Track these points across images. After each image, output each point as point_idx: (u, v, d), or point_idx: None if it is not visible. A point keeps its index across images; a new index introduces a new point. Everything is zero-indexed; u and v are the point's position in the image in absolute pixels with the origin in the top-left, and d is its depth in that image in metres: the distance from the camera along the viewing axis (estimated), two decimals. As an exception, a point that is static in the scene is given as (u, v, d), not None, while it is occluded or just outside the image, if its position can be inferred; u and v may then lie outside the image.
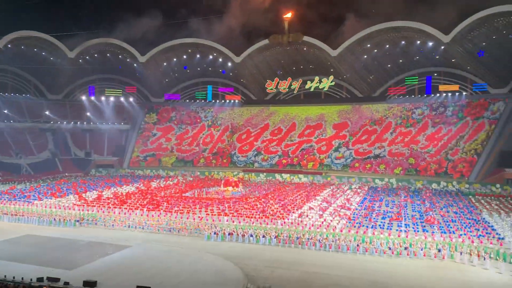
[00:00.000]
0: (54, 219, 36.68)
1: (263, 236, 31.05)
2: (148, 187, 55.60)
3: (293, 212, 39.20)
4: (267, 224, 34.80)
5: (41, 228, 35.17)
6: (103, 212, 38.95)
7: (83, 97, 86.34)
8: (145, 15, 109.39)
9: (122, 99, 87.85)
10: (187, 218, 36.88)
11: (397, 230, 32.98)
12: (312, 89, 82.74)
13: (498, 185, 55.17)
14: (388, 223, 35.58)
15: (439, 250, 27.92)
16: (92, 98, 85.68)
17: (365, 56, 74.94)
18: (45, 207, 40.38)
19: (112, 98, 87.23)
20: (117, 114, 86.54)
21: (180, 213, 37.93)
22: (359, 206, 43.87)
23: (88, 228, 35.70)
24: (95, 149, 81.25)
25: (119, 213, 38.39)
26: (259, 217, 36.42)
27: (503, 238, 30.94)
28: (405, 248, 28.03)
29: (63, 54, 76.33)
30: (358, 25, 76.92)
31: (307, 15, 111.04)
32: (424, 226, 34.68)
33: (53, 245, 29.45)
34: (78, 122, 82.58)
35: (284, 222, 35.09)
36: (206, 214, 37.74)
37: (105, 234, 33.19)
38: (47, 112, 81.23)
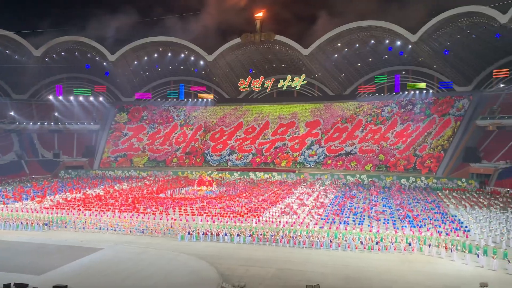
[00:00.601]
0: (21, 223, 35.44)
1: (238, 235, 31.07)
2: (113, 192, 54.54)
3: (269, 210, 39.44)
4: (242, 222, 34.89)
5: (7, 233, 33.91)
6: (73, 214, 38.00)
7: (50, 97, 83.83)
8: (116, 13, 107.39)
9: (91, 98, 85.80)
10: (160, 219, 36.49)
11: (383, 224, 33.68)
12: (284, 88, 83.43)
13: (463, 180, 57.22)
14: (361, 218, 36.28)
15: (409, 244, 28.74)
16: (60, 97, 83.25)
17: (336, 55, 76.11)
18: (11, 211, 39.01)
19: (81, 98, 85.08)
20: (86, 114, 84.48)
21: (153, 213, 37.49)
22: (330, 204, 44.46)
23: (58, 231, 34.66)
24: (64, 150, 78.93)
25: (90, 215, 37.56)
26: (233, 216, 36.45)
27: (469, 231, 32.16)
28: (376, 243, 28.68)
29: (28, 52, 73.80)
30: (330, 24, 78.17)
31: (279, 14, 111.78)
32: (395, 222, 35.58)
33: (20, 250, 28.48)
34: (46, 123, 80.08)
35: (259, 220, 35.28)
36: (180, 214, 37.41)
37: (76, 237, 32.34)
38: (11, 113, 78.38)
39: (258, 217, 36.37)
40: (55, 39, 74.73)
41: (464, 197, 49.45)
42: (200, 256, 26.74)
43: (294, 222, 34.54)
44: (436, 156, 64.88)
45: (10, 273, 23.09)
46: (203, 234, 31.76)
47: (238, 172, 69.01)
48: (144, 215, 37.28)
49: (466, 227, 32.61)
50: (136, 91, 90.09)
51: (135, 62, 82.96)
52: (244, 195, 49.00)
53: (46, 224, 35.35)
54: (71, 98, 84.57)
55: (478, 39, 64.16)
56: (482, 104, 68.63)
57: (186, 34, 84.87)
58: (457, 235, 30.74)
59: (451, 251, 26.69)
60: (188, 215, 37.19)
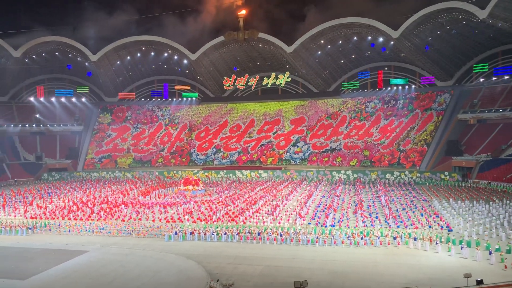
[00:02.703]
0: (4, 228, 34.73)
1: (225, 234, 31.06)
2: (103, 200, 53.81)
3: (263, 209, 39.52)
4: (236, 222, 34.88)
5: (-11, 238, 33.24)
6: (57, 218, 37.44)
7: (31, 98, 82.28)
8: (97, 12, 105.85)
9: (73, 99, 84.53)
10: (147, 220, 36.24)
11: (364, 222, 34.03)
12: (269, 86, 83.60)
13: (446, 173, 58.23)
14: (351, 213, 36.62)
15: (394, 238, 29.15)
16: (41, 99, 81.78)
17: (319, 52, 76.51)
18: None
19: (63, 99, 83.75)
20: (69, 115, 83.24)
21: (139, 219, 36.68)
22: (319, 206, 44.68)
23: (42, 235, 34.10)
24: (47, 152, 77.56)
25: (75, 219, 37.06)
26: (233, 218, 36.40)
27: (450, 231, 32.70)
28: (362, 238, 29.01)
29: (7, 53, 72.23)
30: (313, 22, 78.39)
31: (262, 12, 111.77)
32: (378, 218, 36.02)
33: (4, 255, 27.94)
34: (27, 125, 78.63)
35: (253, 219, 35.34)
36: (166, 221, 36.11)
37: (60, 240, 31.87)
38: (-9, 115, 76.77)
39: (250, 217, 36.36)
40: (35, 40, 73.35)
41: (447, 190, 50.34)
42: (187, 256, 26.67)
43: (279, 222, 34.70)
44: (419, 150, 65.86)
45: (-6, 279, 22.69)
46: (190, 234, 31.65)
47: (224, 171, 68.92)
48: (130, 220, 36.78)
49: (448, 227, 32.07)
50: (119, 91, 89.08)
51: (118, 62, 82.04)
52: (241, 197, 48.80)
53: (30, 228, 34.73)
54: (53, 99, 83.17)
55: (458, 34, 65.26)
56: (463, 98, 69.89)
57: (169, 33, 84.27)
58: (441, 229, 31.29)
59: (436, 244, 27.17)
60: (175, 220, 36.83)
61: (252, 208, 39.71)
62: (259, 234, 30.64)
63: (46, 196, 51.29)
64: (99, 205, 42.79)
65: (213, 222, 34.84)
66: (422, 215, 35.53)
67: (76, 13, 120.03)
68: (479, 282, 18.19)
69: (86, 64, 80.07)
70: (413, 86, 77.50)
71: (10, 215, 39.74)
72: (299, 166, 70.87)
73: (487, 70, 67.71)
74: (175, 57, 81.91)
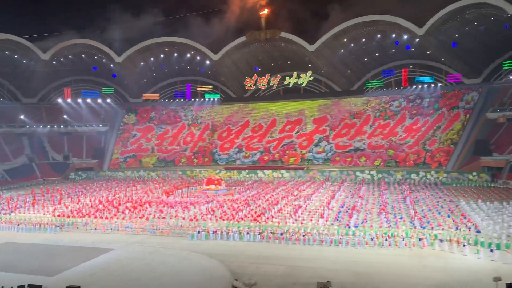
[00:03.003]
0: (34, 226, 35.84)
1: (247, 233, 31.10)
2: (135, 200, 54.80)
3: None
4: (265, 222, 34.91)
5: (20, 235, 34.35)
6: (84, 217, 38.32)
7: (59, 100, 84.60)
8: (121, 14, 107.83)
9: (99, 100, 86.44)
10: (170, 218, 36.67)
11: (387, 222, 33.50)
12: (291, 85, 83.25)
13: (474, 173, 56.64)
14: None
15: (420, 239, 28.52)
16: (68, 100, 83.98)
17: (342, 51, 75.67)
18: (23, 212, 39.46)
19: (89, 100, 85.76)
20: (95, 116, 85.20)
21: (163, 218, 37.14)
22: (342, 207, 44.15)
23: (69, 233, 35.00)
24: (74, 152, 79.69)
25: (101, 218, 37.85)
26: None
27: (479, 232, 31.77)
28: (386, 239, 28.51)
29: (37, 56, 74.50)
30: (336, 20, 77.43)
31: (284, 11, 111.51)
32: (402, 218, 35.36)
33: (33, 252, 28.84)
34: (55, 125, 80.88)
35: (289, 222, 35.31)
36: (190, 220, 36.52)
37: (87, 238, 32.65)
38: (22, 116, 79.26)
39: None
40: (62, 43, 75.38)
41: (475, 190, 48.97)
42: (210, 255, 26.84)
43: (303, 220, 34.52)
44: (446, 150, 64.28)
45: (23, 275, 23.41)
46: (213, 233, 31.84)
47: (246, 171, 69.08)
48: (154, 218, 37.32)
49: (476, 229, 31.03)
50: (143, 92, 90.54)
51: (142, 63, 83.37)
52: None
53: (58, 226, 35.71)
54: (79, 100, 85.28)
55: (486, 30, 63.29)
56: (491, 96, 67.77)
57: (192, 34, 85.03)
58: (469, 230, 30.43)
59: (464, 246, 26.44)
60: (199, 219, 37.13)
61: (274, 208, 39.64)
62: (281, 234, 30.55)
63: (73, 195, 52.61)
64: (124, 204, 43.57)
65: (236, 221, 34.94)
66: (448, 216, 34.66)
67: (101, 16, 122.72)
68: (510, 286, 17.60)
69: (111, 65, 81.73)
70: (439, 84, 75.69)
71: (39, 213, 40.89)
72: (322, 166, 70.30)
73: (517, 67, 65.50)
74: (198, 58, 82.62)
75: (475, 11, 60.06)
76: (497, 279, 18.75)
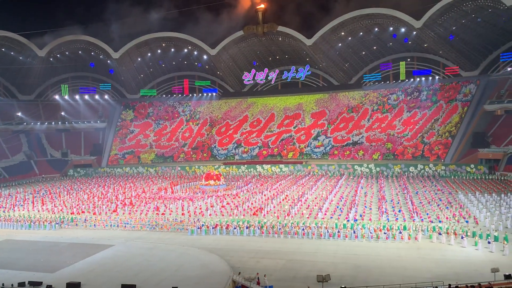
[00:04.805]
0: (34, 223, 35.87)
1: (247, 228, 31.20)
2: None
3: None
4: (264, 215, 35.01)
5: (20, 233, 34.40)
6: (83, 213, 38.36)
7: (56, 96, 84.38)
8: (117, 10, 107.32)
9: (97, 96, 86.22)
10: (170, 214, 36.75)
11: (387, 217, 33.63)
12: (289, 79, 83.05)
13: (472, 165, 56.83)
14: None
15: (418, 232, 28.65)
16: (66, 97, 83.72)
17: (340, 44, 75.45)
18: (23, 210, 39.45)
19: (86, 96, 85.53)
20: (92, 112, 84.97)
21: (162, 214, 37.40)
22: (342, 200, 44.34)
23: (69, 229, 35.07)
24: (72, 149, 79.60)
25: (100, 214, 37.90)
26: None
27: (467, 222, 31.93)
28: (385, 232, 28.63)
29: (33, 53, 74.14)
30: (333, 13, 77.21)
31: (281, 5, 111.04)
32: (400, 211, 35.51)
33: (33, 249, 28.90)
34: (53, 122, 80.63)
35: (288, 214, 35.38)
36: (189, 214, 37.31)
37: (87, 235, 32.73)
38: (19, 114, 79.03)
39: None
40: (58, 39, 75.01)
41: (473, 183, 49.15)
42: (210, 250, 26.95)
43: (302, 214, 34.63)
44: (444, 142, 64.41)
45: (24, 272, 23.48)
46: (212, 228, 31.93)
47: (245, 166, 69.14)
48: (153, 213, 37.44)
49: (474, 221, 31.21)
50: (141, 88, 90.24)
51: (139, 59, 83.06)
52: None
53: (58, 223, 35.75)
54: (77, 97, 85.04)
55: (484, 22, 63.22)
56: (489, 89, 67.81)
57: (189, 29, 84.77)
58: (467, 223, 30.60)
59: (462, 238, 26.59)
60: (198, 214, 37.19)
61: (272, 203, 39.75)
62: (280, 228, 30.65)
63: (72, 191, 52.64)
64: (123, 200, 43.65)
65: (235, 216, 35.03)
66: (447, 208, 34.83)
67: (98, 12, 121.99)
68: (507, 276, 17.74)
69: (108, 61, 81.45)
70: (437, 77, 75.66)
71: (38, 210, 40.89)
72: (320, 160, 70.41)
73: (515, 59, 65.48)
74: (195, 53, 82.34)
75: (472, 4, 59.88)
76: (495, 270, 18.90)
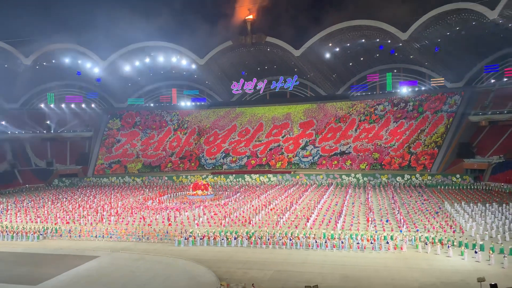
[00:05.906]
0: (16, 234, 35.01)
1: (235, 238, 30.94)
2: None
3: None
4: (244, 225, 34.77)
5: (2, 244, 33.52)
6: (67, 223, 37.65)
7: (42, 105, 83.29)
8: (106, 18, 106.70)
9: (83, 105, 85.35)
10: (156, 225, 36.28)
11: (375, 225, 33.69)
12: (277, 89, 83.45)
13: (458, 175, 57.50)
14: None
15: (405, 242, 28.73)
16: (52, 105, 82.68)
17: (328, 55, 76.22)
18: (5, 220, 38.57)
19: (72, 105, 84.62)
20: (79, 121, 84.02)
21: (149, 225, 36.96)
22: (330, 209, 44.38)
23: (53, 240, 34.30)
24: (57, 158, 78.35)
25: (85, 224, 37.24)
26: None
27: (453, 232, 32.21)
28: (372, 242, 28.67)
29: (18, 61, 73.22)
30: (321, 24, 78.16)
31: (270, 16, 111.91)
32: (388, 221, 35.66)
33: (16, 261, 28.17)
34: (38, 131, 79.43)
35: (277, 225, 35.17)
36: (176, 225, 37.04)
37: (71, 246, 32.04)
38: (3, 122, 77.68)
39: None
40: (45, 47, 74.24)
41: (459, 192, 49.68)
42: (197, 261, 26.61)
43: (290, 224, 34.50)
44: (430, 153, 65.17)
45: (7, 285, 22.87)
46: (200, 239, 31.58)
47: (233, 175, 68.89)
48: (140, 223, 36.94)
49: (462, 223, 32.15)
50: (128, 97, 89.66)
51: (126, 68, 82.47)
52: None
53: (41, 234, 34.96)
54: (63, 105, 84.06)
55: (468, 35, 64.60)
56: (473, 100, 69.11)
57: (177, 39, 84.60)
58: (453, 232, 30.86)
59: (448, 247, 26.76)
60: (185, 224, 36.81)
61: (260, 213, 39.55)
62: (268, 239, 30.47)
63: (56, 201, 51.70)
64: (108, 211, 43.01)
65: (223, 226, 34.75)
66: (433, 218, 35.08)
67: (85, 19, 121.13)
68: (493, 286, 17.85)
69: (95, 70, 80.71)
70: (423, 88, 76.88)
71: (21, 221, 40.01)
72: (309, 169, 70.59)
73: (498, 70, 66.91)
74: (184, 62, 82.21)
75: (456, 16, 61.26)
76: (481, 280, 19.02)
